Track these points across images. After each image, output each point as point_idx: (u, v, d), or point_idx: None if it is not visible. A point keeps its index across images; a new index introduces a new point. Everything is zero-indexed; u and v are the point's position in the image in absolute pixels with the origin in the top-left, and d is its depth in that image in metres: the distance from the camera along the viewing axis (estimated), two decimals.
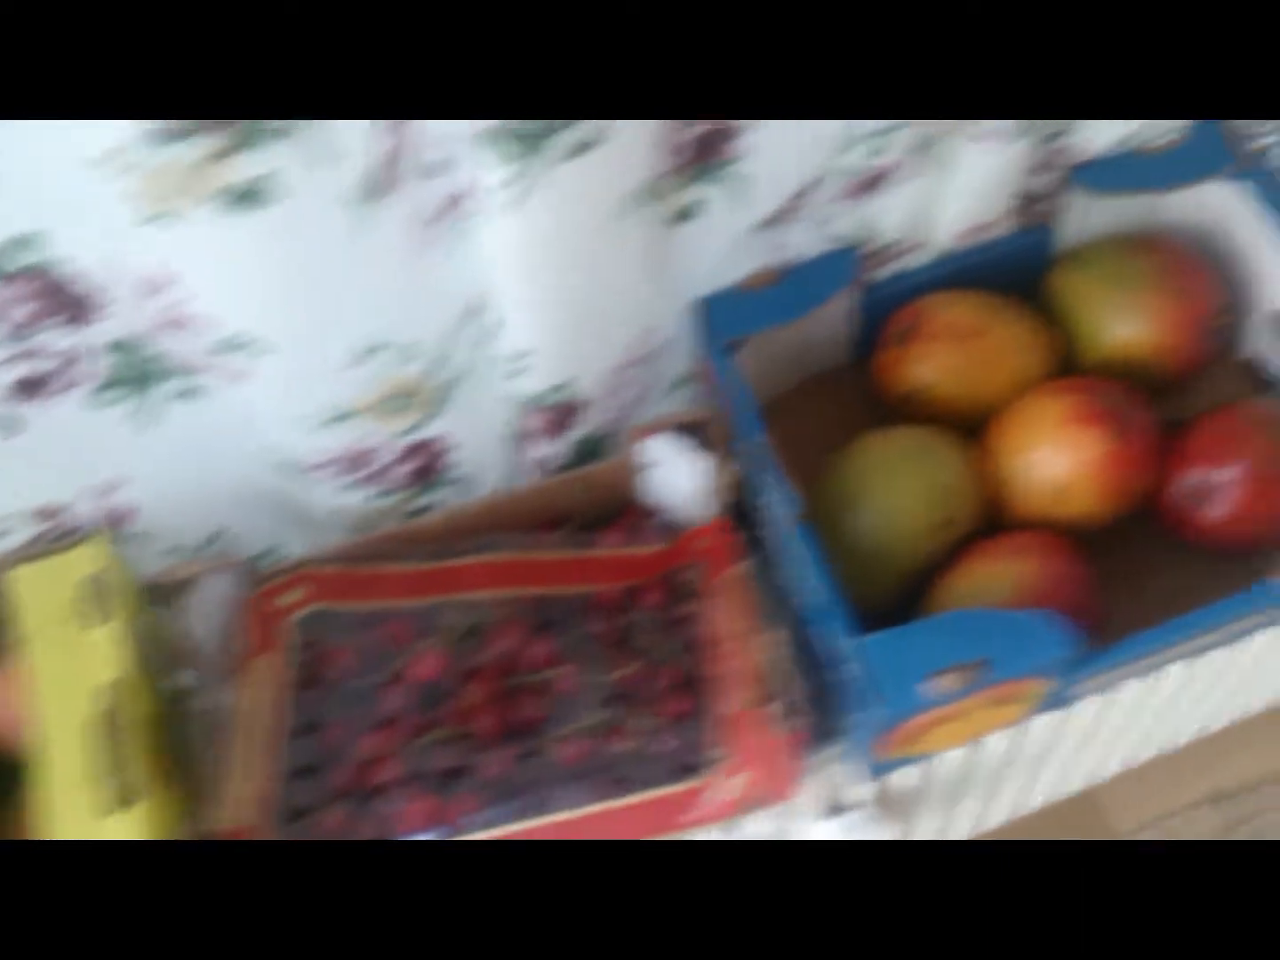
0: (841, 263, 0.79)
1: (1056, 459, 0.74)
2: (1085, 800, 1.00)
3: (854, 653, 0.64)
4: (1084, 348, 0.81)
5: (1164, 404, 0.79)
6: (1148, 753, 0.97)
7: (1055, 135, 0.79)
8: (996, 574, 0.70)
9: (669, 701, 0.67)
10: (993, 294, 0.81)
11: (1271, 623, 0.74)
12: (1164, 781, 1.02)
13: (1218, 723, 0.97)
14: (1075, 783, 0.95)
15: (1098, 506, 0.75)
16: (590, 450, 0.75)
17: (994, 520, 0.75)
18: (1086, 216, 0.83)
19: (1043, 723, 0.74)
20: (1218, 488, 0.74)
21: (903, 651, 0.63)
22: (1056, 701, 0.71)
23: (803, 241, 0.77)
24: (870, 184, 0.74)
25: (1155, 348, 0.79)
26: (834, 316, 0.81)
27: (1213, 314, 0.80)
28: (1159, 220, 0.83)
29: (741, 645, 0.67)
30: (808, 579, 0.68)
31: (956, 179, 0.76)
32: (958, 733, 0.70)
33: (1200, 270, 0.81)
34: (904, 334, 0.80)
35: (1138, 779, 0.99)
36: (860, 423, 0.80)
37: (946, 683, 0.63)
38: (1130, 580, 0.75)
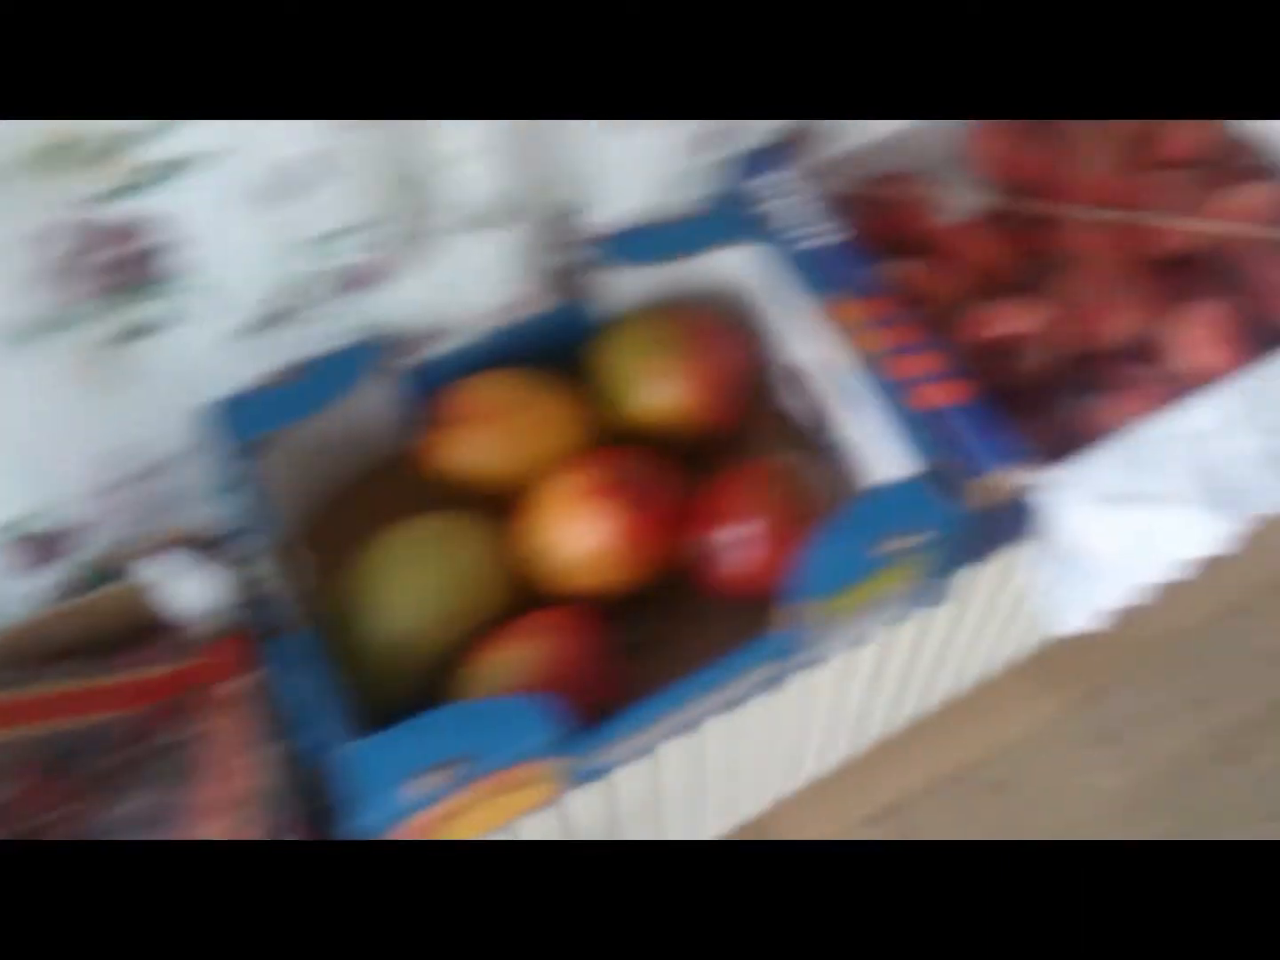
0: (363, 353, 0.79)
1: (577, 533, 0.75)
2: (757, 828, 1.00)
3: (338, 761, 0.63)
4: (621, 417, 0.83)
5: (706, 462, 0.81)
6: (796, 781, 0.99)
7: (565, 215, 0.81)
8: (507, 660, 0.71)
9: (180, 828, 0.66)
10: (535, 370, 0.82)
11: (802, 666, 0.76)
12: (828, 804, 1.02)
13: (847, 748, 1.01)
14: (741, 812, 0.97)
15: (623, 575, 0.76)
16: (101, 574, 0.74)
17: (526, 601, 0.76)
18: (621, 287, 0.85)
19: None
20: (734, 545, 0.76)
21: (383, 756, 0.63)
22: (590, 774, 0.72)
23: (320, 336, 0.77)
24: (366, 279, 0.75)
25: (684, 410, 0.81)
26: (373, 405, 0.81)
27: (738, 374, 0.82)
28: (689, 286, 0.86)
29: (240, 765, 0.66)
30: (309, 687, 0.67)
31: (463, 266, 0.77)
32: (482, 820, 0.69)
33: (724, 332, 0.84)
34: (439, 418, 0.80)
35: (803, 804, 1.00)
36: (413, 512, 0.80)
37: (430, 783, 0.63)
38: (664, 643, 0.77)
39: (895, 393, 0.76)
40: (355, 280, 0.74)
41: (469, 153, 0.69)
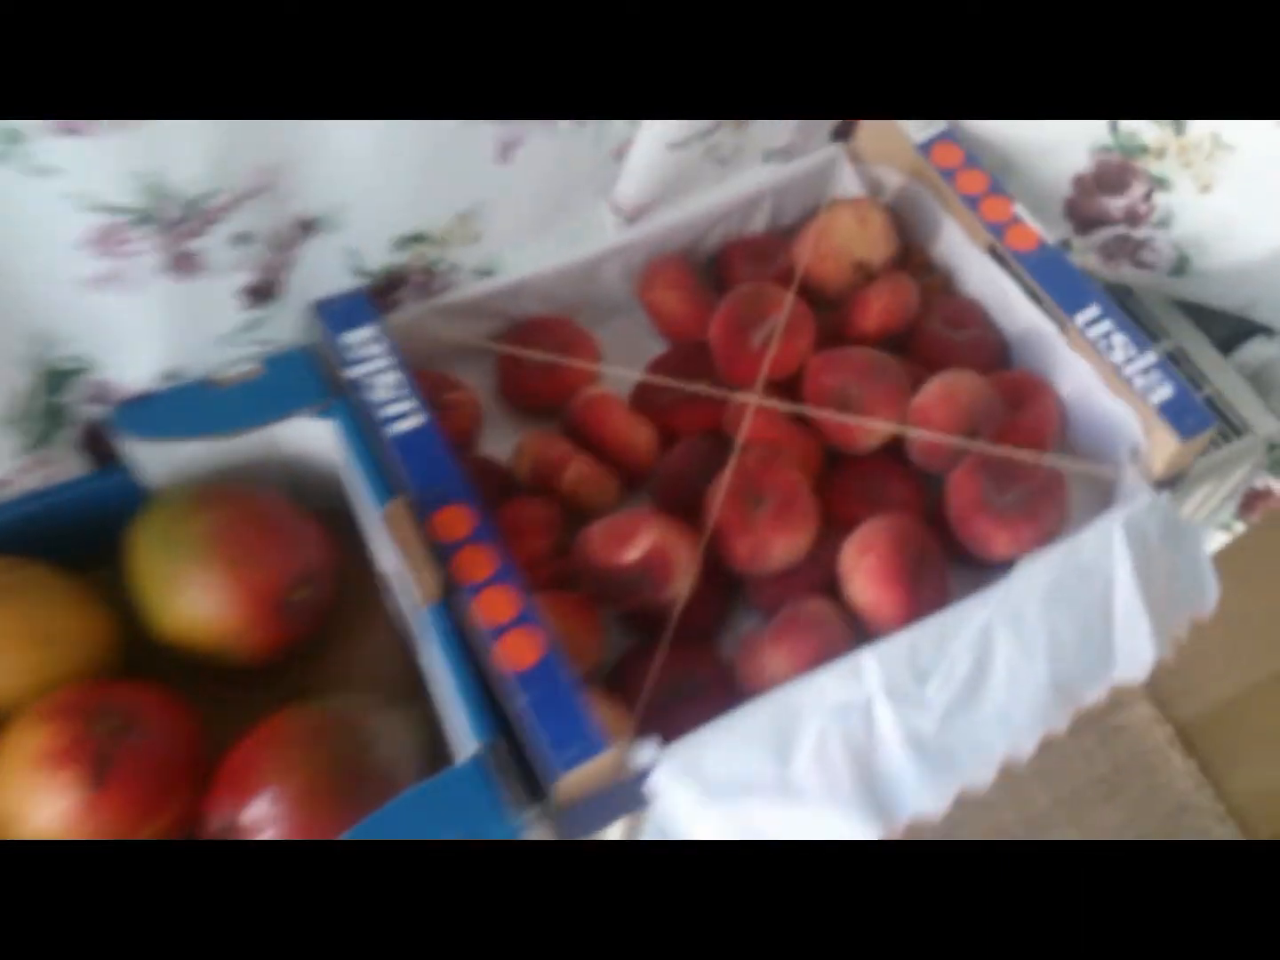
0: None
1: (30, 808, 0.57)
2: None
3: None
4: (152, 625, 0.65)
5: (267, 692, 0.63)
6: None
7: (75, 372, 0.62)
8: None
9: None
10: (45, 560, 0.64)
11: None
12: None
13: None
14: None
15: None
16: None
17: None
18: (165, 459, 0.67)
19: None
20: (249, 825, 0.58)
21: None
22: None
23: None
24: None
25: (226, 629, 0.64)
26: None
27: (288, 584, 0.65)
28: (254, 462, 0.68)
29: None
30: None
31: None
32: None
33: (278, 530, 0.66)
34: None
35: None
36: None
37: None
38: None
39: (464, 642, 0.59)
40: None
41: None
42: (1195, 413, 0.67)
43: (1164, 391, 0.68)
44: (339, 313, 0.68)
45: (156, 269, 0.55)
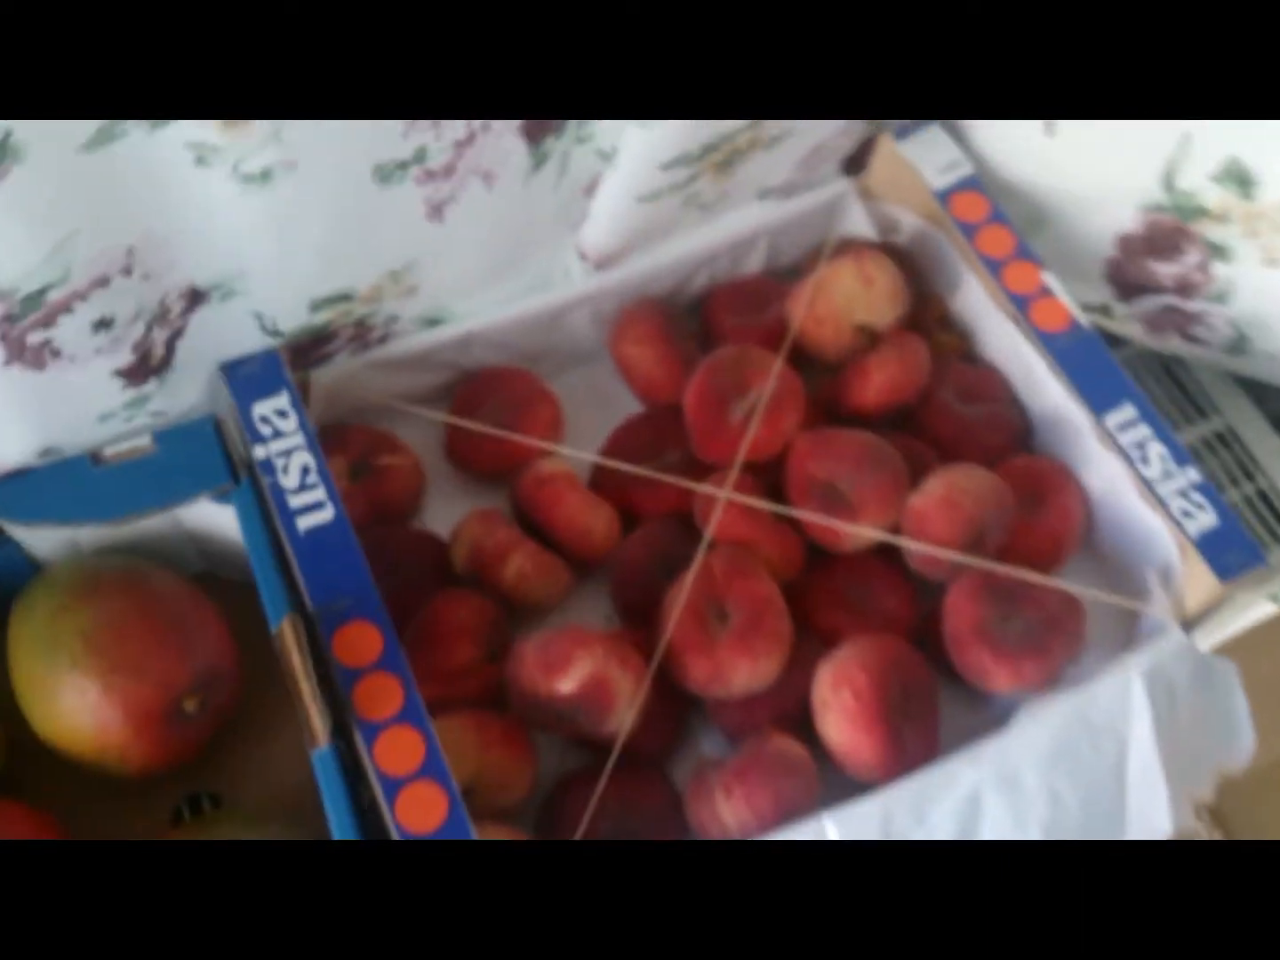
0: None
1: None
2: None
3: None
4: (32, 726, 0.57)
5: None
6: None
7: None
8: None
9: None
10: None
11: None
12: None
13: None
14: None
15: None
16: None
17: None
18: (46, 536, 0.58)
19: None
20: None
21: None
22: None
23: None
24: None
25: (99, 742, 0.56)
26: None
27: (177, 694, 0.56)
28: (147, 531, 0.60)
29: None
30: None
31: None
32: None
33: (171, 628, 0.57)
34: None
35: None
36: None
37: None
38: None
39: (358, 787, 0.51)
40: None
41: None
42: (1240, 548, 0.57)
43: (1205, 519, 0.57)
44: (248, 378, 0.59)
45: None
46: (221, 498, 0.57)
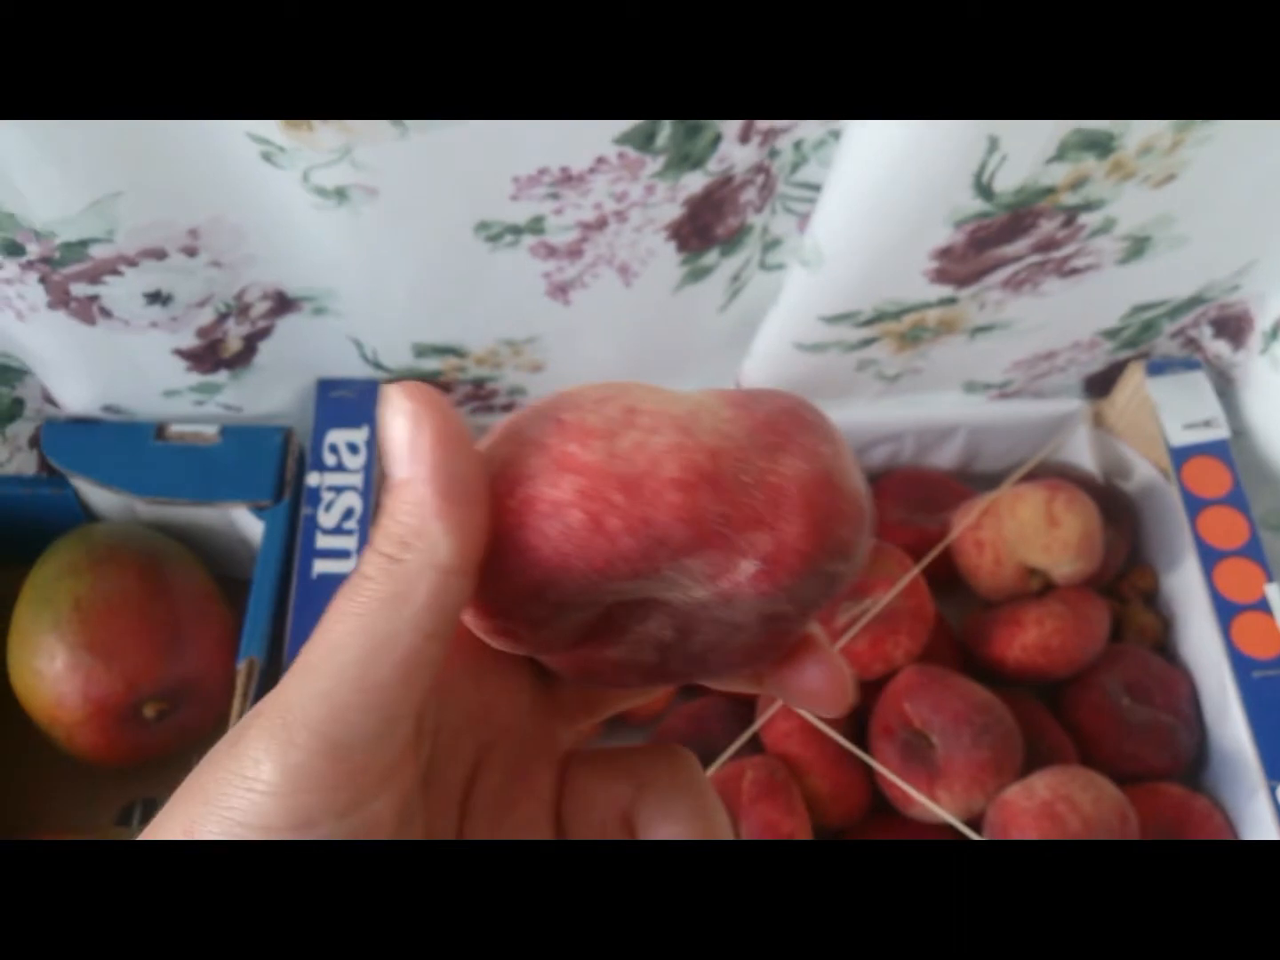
0: None
1: None
2: None
3: None
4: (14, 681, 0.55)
5: None
6: None
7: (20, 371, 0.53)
8: None
9: None
10: None
11: None
12: None
13: None
14: None
15: None
16: None
17: None
18: (87, 488, 0.57)
19: None
20: None
21: None
22: None
23: None
24: None
25: (51, 712, 0.53)
26: None
27: (139, 696, 0.53)
28: (194, 521, 0.57)
29: None
30: None
31: None
32: None
33: (161, 627, 0.54)
34: None
35: None
36: None
37: None
38: None
39: None
40: None
41: None
42: None
43: None
44: (339, 401, 0.55)
45: (39, 303, 0.44)
46: (258, 511, 0.54)
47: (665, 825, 0.22)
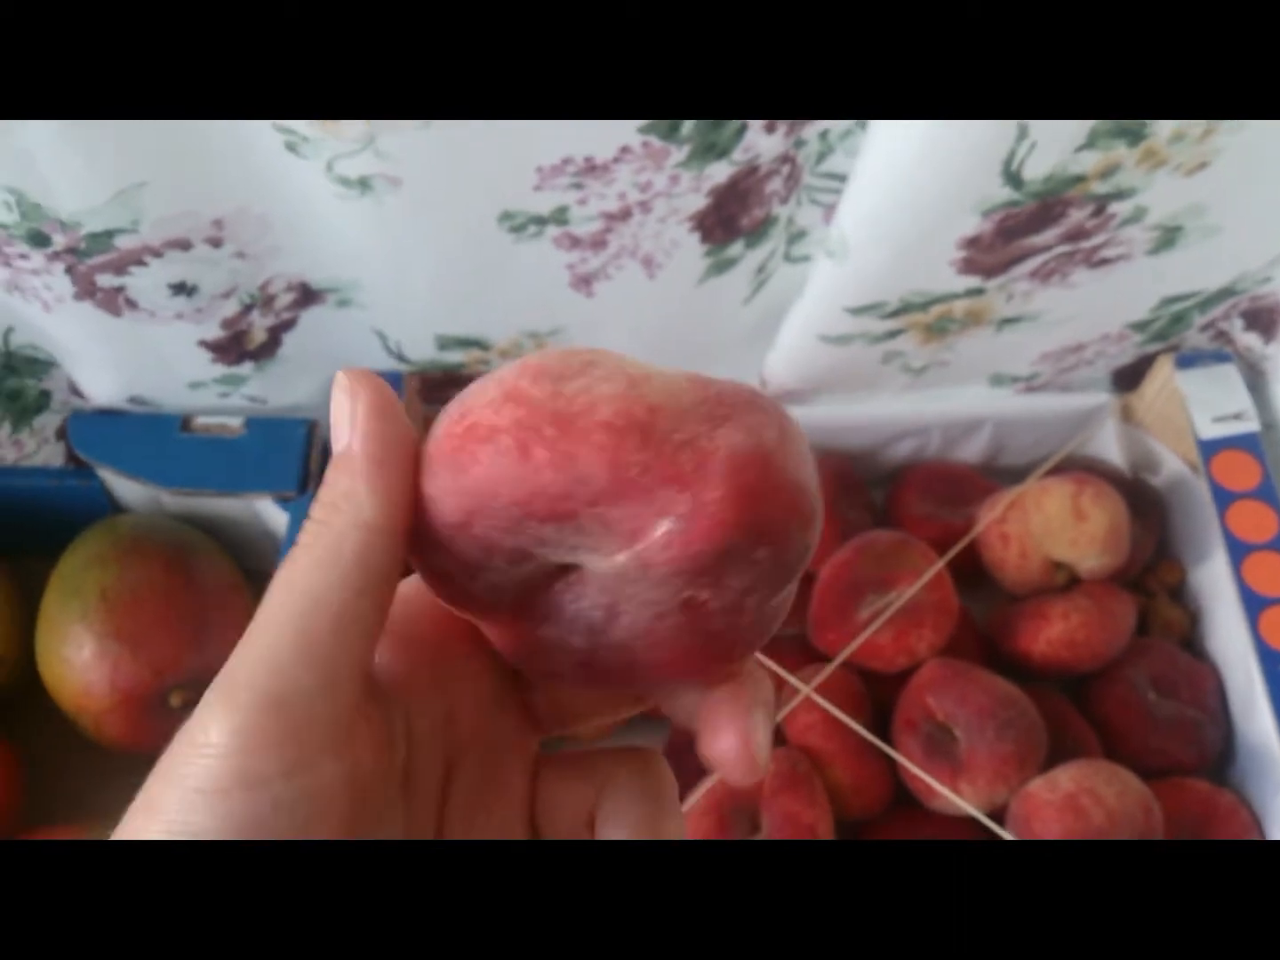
0: None
1: None
2: None
3: None
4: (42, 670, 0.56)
5: None
6: None
7: (46, 363, 0.54)
8: None
9: None
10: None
11: None
12: None
13: None
14: None
15: None
16: None
17: None
18: (113, 480, 0.57)
19: None
20: None
21: None
22: None
23: None
24: None
25: (79, 701, 0.53)
26: None
27: (167, 685, 0.53)
28: (220, 513, 0.57)
29: None
30: None
31: None
32: None
33: (189, 617, 0.54)
34: None
35: None
36: None
37: None
38: None
39: None
40: None
41: None
42: None
43: None
44: None
45: (65, 294, 0.44)
46: (283, 503, 0.54)
47: (614, 827, 0.23)
